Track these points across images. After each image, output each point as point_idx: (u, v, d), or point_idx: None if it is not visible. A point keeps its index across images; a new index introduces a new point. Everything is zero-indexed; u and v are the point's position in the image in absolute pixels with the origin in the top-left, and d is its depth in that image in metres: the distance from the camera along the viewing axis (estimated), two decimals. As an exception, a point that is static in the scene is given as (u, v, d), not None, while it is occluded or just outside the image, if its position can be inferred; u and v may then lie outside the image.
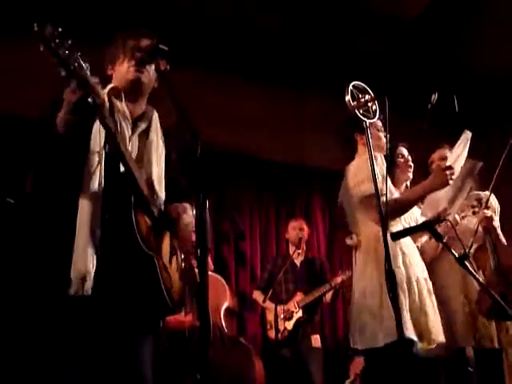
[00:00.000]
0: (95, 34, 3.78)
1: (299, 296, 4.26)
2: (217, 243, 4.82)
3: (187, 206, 2.00)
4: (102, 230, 1.72)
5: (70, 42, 1.56)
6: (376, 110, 2.13)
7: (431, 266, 2.65)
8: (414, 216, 2.62)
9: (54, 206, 1.75)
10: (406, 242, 2.46)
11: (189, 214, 1.98)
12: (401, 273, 2.35)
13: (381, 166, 2.41)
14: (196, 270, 1.70)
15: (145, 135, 1.95)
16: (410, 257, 2.44)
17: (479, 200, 2.87)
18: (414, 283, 2.37)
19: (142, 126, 1.94)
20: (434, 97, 2.35)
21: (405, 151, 2.78)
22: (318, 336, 4.26)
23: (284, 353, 4.10)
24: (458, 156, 2.53)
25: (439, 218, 2.41)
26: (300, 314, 4.21)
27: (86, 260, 1.67)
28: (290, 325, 4.18)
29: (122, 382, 1.74)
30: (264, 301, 4.22)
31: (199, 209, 1.62)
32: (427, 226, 2.08)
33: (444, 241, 2.04)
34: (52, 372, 1.69)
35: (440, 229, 2.47)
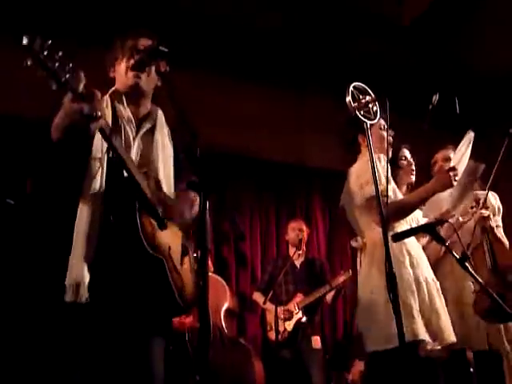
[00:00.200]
0: (95, 35, 3.79)
1: (299, 297, 4.25)
2: (217, 244, 4.81)
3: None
4: (105, 234, 1.70)
5: (60, 53, 1.50)
6: (377, 111, 2.12)
7: (434, 267, 2.64)
8: (416, 217, 2.61)
9: (54, 211, 1.75)
10: (412, 242, 2.46)
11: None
12: (408, 274, 2.34)
13: (384, 167, 2.40)
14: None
15: (150, 135, 1.94)
16: (417, 257, 2.43)
17: (478, 200, 2.86)
18: (423, 283, 2.36)
19: (147, 126, 1.94)
20: (435, 97, 2.34)
21: (407, 153, 2.78)
22: (318, 337, 4.25)
23: (284, 354, 4.09)
24: (461, 157, 2.52)
25: (441, 220, 2.41)
26: (300, 315, 4.20)
27: (80, 268, 1.66)
28: (290, 326, 4.17)
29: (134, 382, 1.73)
30: (264, 302, 4.21)
31: (199, 209, 1.62)
32: (429, 228, 2.06)
33: (447, 244, 2.03)
34: (58, 375, 1.69)
35: (442, 231, 2.47)
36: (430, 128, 2.48)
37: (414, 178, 2.76)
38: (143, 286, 1.73)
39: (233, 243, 4.95)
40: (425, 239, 2.74)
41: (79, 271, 1.65)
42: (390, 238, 1.96)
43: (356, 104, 2.07)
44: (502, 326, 2.72)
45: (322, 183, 5.41)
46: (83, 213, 1.70)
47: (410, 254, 2.41)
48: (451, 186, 2.38)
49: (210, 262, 3.85)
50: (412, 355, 2.18)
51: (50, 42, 1.49)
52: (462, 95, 2.76)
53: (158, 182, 1.88)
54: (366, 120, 2.06)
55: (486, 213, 2.82)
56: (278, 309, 4.03)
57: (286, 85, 5.06)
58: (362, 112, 2.07)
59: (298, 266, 4.47)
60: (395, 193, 2.51)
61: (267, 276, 4.48)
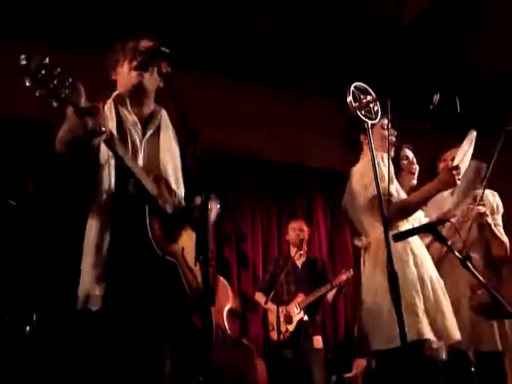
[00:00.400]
0: (95, 35, 3.79)
1: (301, 297, 4.25)
2: (219, 245, 4.81)
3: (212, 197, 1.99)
4: (116, 242, 1.71)
5: (58, 69, 1.49)
6: (378, 110, 2.12)
7: (436, 266, 2.64)
8: (418, 217, 2.61)
9: (61, 216, 1.76)
10: (416, 242, 2.46)
11: (213, 206, 1.99)
12: (412, 273, 2.34)
13: (387, 166, 2.39)
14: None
15: (156, 136, 1.95)
16: (421, 257, 2.43)
17: (475, 197, 2.86)
18: (428, 282, 2.36)
19: (152, 126, 1.95)
20: (436, 97, 2.34)
21: (409, 153, 2.78)
22: (319, 337, 4.25)
23: (286, 354, 4.10)
24: (463, 156, 2.52)
25: (443, 220, 2.41)
26: (301, 315, 4.21)
27: (91, 276, 1.67)
28: (291, 326, 4.18)
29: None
30: (266, 302, 4.21)
31: (201, 210, 1.62)
32: (431, 228, 2.07)
33: (448, 243, 2.03)
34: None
35: (444, 231, 2.46)
36: (431, 128, 2.48)
37: (416, 177, 2.76)
38: (156, 290, 1.73)
39: (234, 244, 4.95)
40: (428, 238, 2.74)
41: (90, 281, 1.67)
42: (391, 237, 1.96)
43: (357, 104, 2.07)
44: (495, 323, 2.71)
45: (322, 183, 5.41)
46: (92, 222, 1.71)
47: (413, 254, 2.41)
48: (454, 185, 2.39)
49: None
50: (417, 354, 2.18)
51: (48, 59, 1.48)
52: (462, 95, 2.76)
53: (168, 184, 1.88)
54: (367, 120, 2.07)
55: (482, 209, 2.81)
56: (280, 309, 4.03)
57: (286, 85, 5.06)
58: (363, 112, 2.07)
59: (300, 266, 4.47)
60: (398, 192, 2.52)
61: (269, 276, 4.48)
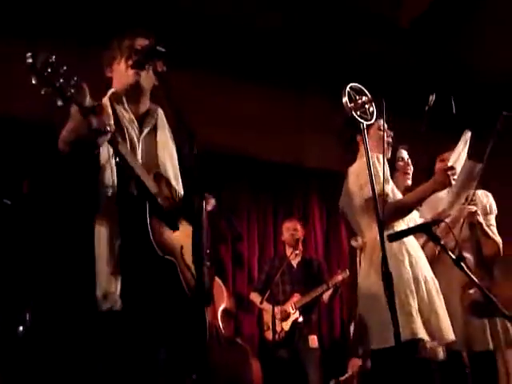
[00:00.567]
0: (95, 35, 3.80)
1: (296, 297, 4.26)
2: (214, 244, 4.80)
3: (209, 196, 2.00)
4: (123, 242, 1.72)
5: (64, 68, 1.50)
6: (373, 111, 2.13)
7: (430, 267, 2.65)
8: (413, 217, 2.62)
9: (64, 217, 1.77)
10: (411, 242, 2.46)
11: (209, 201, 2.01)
12: (407, 273, 2.34)
13: (383, 167, 2.40)
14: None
15: (153, 134, 1.96)
16: (416, 257, 2.43)
17: (467, 197, 2.86)
18: (422, 283, 2.36)
19: (149, 124, 1.96)
20: (432, 98, 2.34)
21: (405, 154, 2.78)
22: (315, 336, 4.25)
23: (281, 353, 4.10)
24: (458, 156, 2.52)
25: (438, 220, 2.41)
26: (297, 314, 4.21)
27: (108, 277, 1.68)
28: (286, 326, 4.18)
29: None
30: (261, 302, 4.22)
31: (196, 210, 1.63)
32: (425, 228, 2.07)
33: (442, 243, 2.04)
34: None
35: (438, 231, 2.46)
36: (427, 129, 2.48)
37: (410, 178, 2.76)
38: (157, 290, 1.75)
39: (230, 244, 4.94)
40: (422, 239, 2.74)
41: (107, 281, 1.68)
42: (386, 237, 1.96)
43: (352, 104, 2.08)
44: (486, 322, 2.70)
45: (319, 183, 5.40)
46: (101, 224, 1.73)
47: (409, 254, 2.41)
48: (449, 185, 2.39)
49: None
50: (411, 354, 2.18)
51: (54, 57, 1.49)
52: (462, 95, 2.76)
53: (168, 181, 1.90)
54: (362, 120, 2.07)
55: (473, 208, 2.80)
56: (275, 309, 4.04)
57: (286, 85, 5.06)
58: (358, 112, 2.07)
59: (295, 266, 4.47)
60: (394, 193, 2.52)
61: (264, 276, 4.48)
